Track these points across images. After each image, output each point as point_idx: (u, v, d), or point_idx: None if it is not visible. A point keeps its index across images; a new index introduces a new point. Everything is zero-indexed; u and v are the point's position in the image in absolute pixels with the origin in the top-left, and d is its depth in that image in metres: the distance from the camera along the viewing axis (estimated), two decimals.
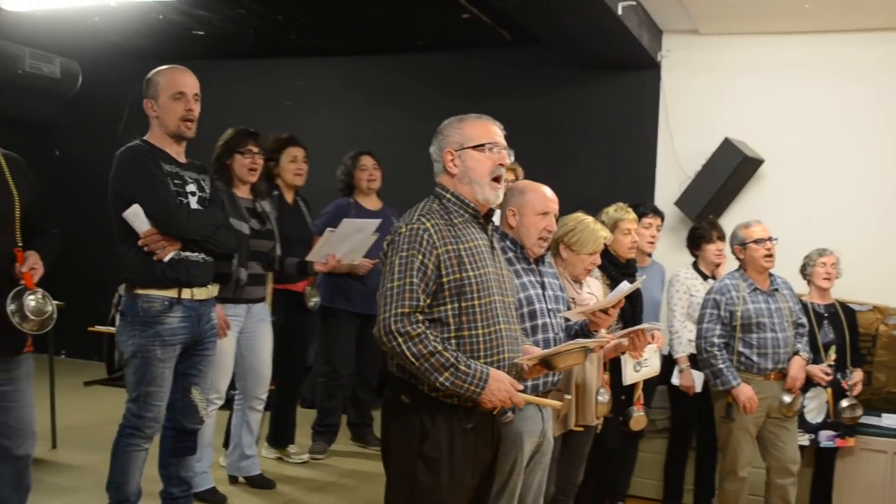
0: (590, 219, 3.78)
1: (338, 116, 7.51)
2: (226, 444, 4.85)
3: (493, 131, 2.78)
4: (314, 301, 5.04)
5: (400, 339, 2.55)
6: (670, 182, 6.32)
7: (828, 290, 5.04)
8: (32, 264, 3.15)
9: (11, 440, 3.20)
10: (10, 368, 3.18)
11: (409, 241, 2.62)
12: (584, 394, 3.65)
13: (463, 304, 2.63)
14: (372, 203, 5.47)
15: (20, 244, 3.17)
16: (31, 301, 3.12)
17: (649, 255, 5.12)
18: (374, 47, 7.32)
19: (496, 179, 2.75)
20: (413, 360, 2.55)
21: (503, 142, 2.79)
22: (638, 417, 4.27)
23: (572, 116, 6.77)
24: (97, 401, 6.73)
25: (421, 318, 2.58)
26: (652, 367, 4.16)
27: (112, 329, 6.88)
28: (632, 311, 4.15)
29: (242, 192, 4.47)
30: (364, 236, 4.81)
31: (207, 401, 4.09)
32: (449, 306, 2.63)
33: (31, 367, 3.31)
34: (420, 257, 2.59)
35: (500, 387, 2.60)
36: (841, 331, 4.99)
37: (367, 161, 5.45)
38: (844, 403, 4.89)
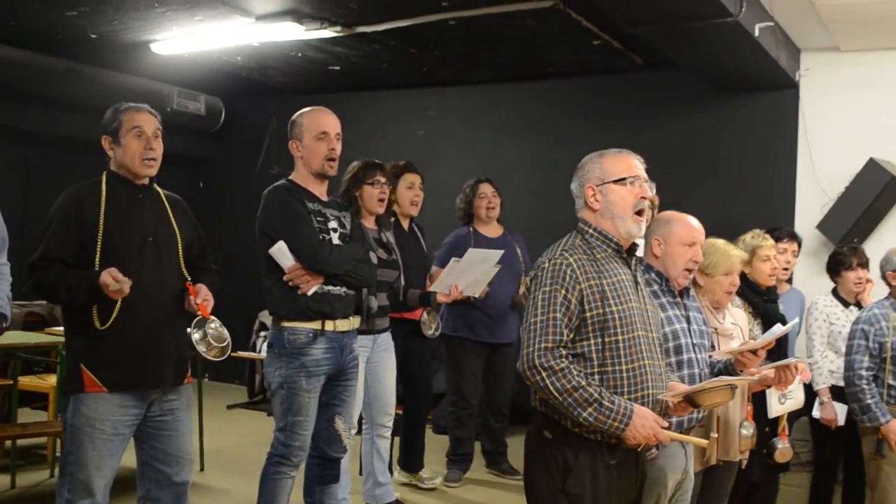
0: (721, 241, 3.70)
1: (469, 145, 7.61)
2: (361, 472, 4.96)
3: (634, 164, 2.77)
4: (432, 330, 5.02)
5: (544, 374, 2.56)
6: (812, 205, 6.14)
7: None
8: (205, 296, 3.32)
9: (171, 467, 3.35)
10: (171, 399, 3.34)
11: (552, 276, 2.63)
12: (726, 429, 3.56)
13: (606, 340, 2.62)
14: (492, 231, 5.51)
15: (188, 279, 3.35)
16: (212, 330, 3.29)
17: (788, 281, 4.97)
18: (506, 76, 7.41)
19: (639, 213, 2.74)
20: (556, 394, 2.56)
21: (644, 175, 2.77)
22: (783, 450, 4.13)
23: (707, 139, 6.67)
24: (240, 424, 6.99)
25: (564, 352, 2.59)
26: (797, 399, 4.02)
27: (253, 354, 7.14)
28: (777, 345, 4.03)
29: (369, 223, 4.56)
30: (487, 267, 4.85)
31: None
32: (592, 341, 2.63)
33: (191, 396, 3.50)
34: (563, 292, 2.61)
35: (644, 423, 2.58)
36: None
37: (486, 189, 5.50)
38: None
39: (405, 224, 5.15)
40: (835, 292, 5.05)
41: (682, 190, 5.81)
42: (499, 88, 7.56)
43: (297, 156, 3.80)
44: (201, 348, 3.24)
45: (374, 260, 4.37)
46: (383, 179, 4.56)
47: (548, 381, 2.56)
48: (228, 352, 3.35)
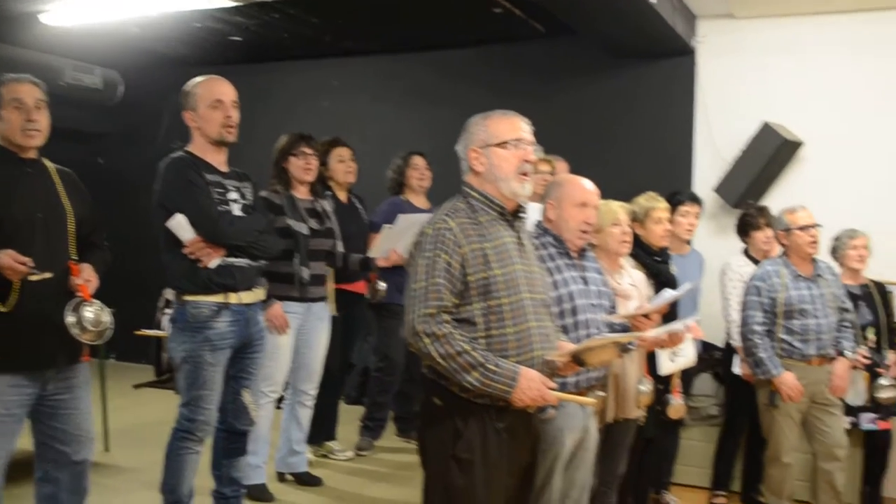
0: (601, 201, 3.78)
1: (374, 115, 7.58)
2: None
3: (519, 127, 2.77)
4: (381, 293, 5.04)
5: (426, 340, 2.57)
6: (709, 169, 6.29)
7: (860, 271, 4.99)
8: (87, 277, 3.24)
9: (70, 446, 3.29)
10: (68, 377, 3.27)
11: (433, 241, 2.63)
12: (623, 387, 3.66)
13: (490, 303, 2.63)
14: (422, 202, 5.62)
15: (75, 257, 3.27)
16: (88, 313, 3.20)
17: (688, 242, 5.10)
18: (409, 46, 7.38)
19: (523, 175, 2.74)
20: (440, 360, 2.56)
21: (529, 137, 2.77)
22: (676, 406, 4.27)
23: (608, 106, 6.76)
24: (147, 403, 6.90)
25: (447, 318, 2.59)
26: (687, 357, 4.14)
27: (159, 332, 7.04)
28: (671, 306, 4.15)
29: (302, 194, 4.63)
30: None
31: (262, 393, 4.23)
32: (476, 305, 2.63)
33: (88, 375, 3.42)
34: (445, 257, 2.60)
35: (531, 385, 2.59)
36: (876, 311, 4.94)
37: (419, 161, 5.63)
38: (882, 384, 4.84)
39: (343, 196, 5.27)
40: (746, 252, 5.21)
41: (584, 157, 5.89)
42: (403, 58, 7.53)
43: (192, 126, 3.73)
44: (75, 331, 3.15)
45: (306, 230, 4.39)
46: (308, 150, 4.63)
47: (431, 347, 2.57)
48: (107, 335, 3.28)
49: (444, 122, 7.14)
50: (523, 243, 2.81)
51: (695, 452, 5.41)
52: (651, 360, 4.07)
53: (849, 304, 4.64)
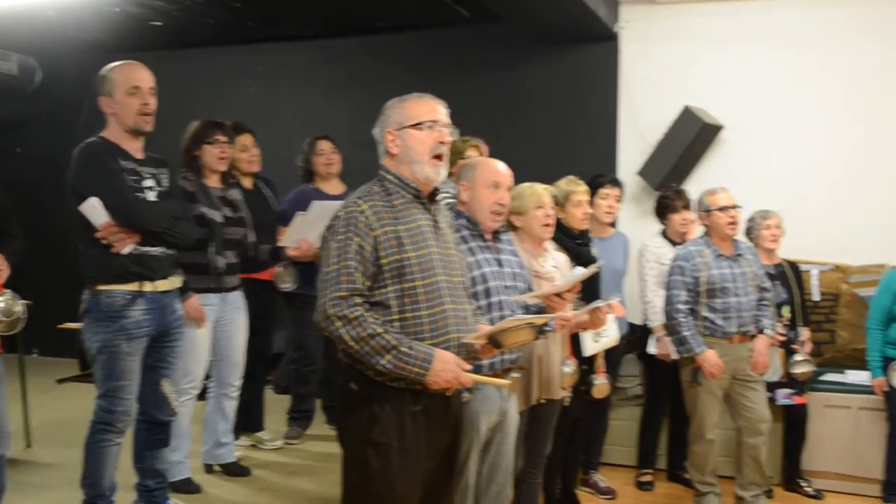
0: (526, 184, 3.81)
1: (302, 102, 7.50)
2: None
3: (435, 109, 2.76)
4: (287, 283, 5.00)
5: (339, 323, 2.55)
6: (633, 152, 6.37)
7: (774, 250, 5.11)
8: None
9: None
10: None
11: (345, 224, 2.61)
12: (546, 368, 3.69)
13: (404, 286, 2.62)
14: (334, 187, 5.48)
15: None
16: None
17: (611, 225, 5.17)
18: (337, 31, 7.31)
19: (437, 157, 2.74)
20: (353, 343, 2.55)
21: (445, 119, 2.77)
22: (600, 386, 4.32)
23: (534, 91, 6.79)
24: (71, 398, 6.75)
25: (360, 300, 2.57)
26: (611, 336, 4.20)
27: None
28: (590, 285, 4.19)
29: (213, 182, 4.54)
30: None
31: (182, 389, 4.16)
32: (390, 288, 2.62)
33: (2, 368, 3.33)
34: (357, 240, 2.59)
35: (445, 367, 2.59)
36: (790, 290, 5.07)
37: (324, 145, 5.46)
38: (797, 360, 4.98)
39: (247, 183, 5.14)
40: (664, 234, 5.29)
41: (510, 142, 5.91)
42: (330, 44, 7.47)
43: (108, 112, 3.65)
44: None
45: (219, 218, 4.31)
46: (223, 138, 4.54)
47: (343, 331, 2.55)
48: (20, 326, 3.20)
49: (373, 108, 7.13)
50: (440, 226, 2.80)
51: (622, 432, 5.50)
52: (575, 341, 4.12)
53: (768, 283, 4.76)
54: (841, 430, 5.20)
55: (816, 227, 5.37)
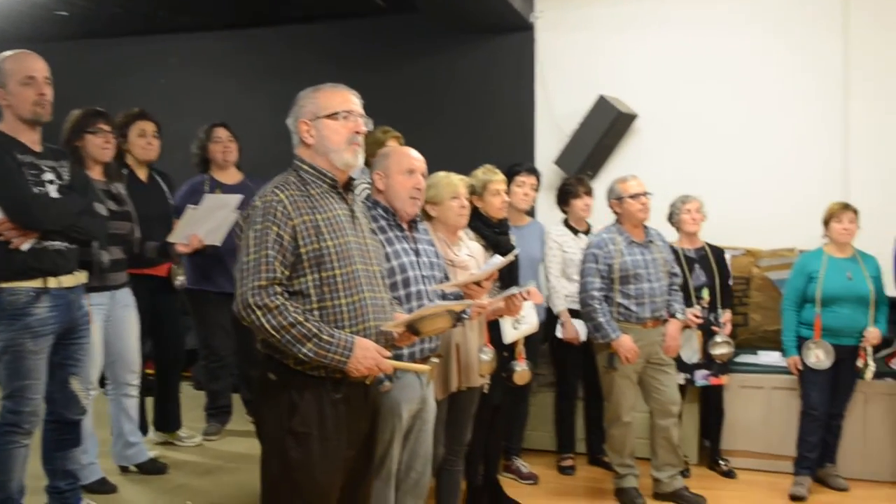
0: (441, 173, 3.82)
1: (216, 93, 7.36)
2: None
3: (349, 99, 2.77)
4: (180, 280, 4.91)
5: (259, 313, 2.54)
6: (549, 141, 6.42)
7: (696, 234, 5.22)
8: None
9: None
10: None
11: (263, 213, 2.60)
12: (464, 356, 3.71)
13: (323, 275, 2.63)
14: (230, 177, 5.35)
15: None
16: None
17: (528, 213, 5.20)
18: (249, 21, 7.20)
19: (355, 146, 2.74)
20: (273, 332, 2.54)
21: (359, 109, 2.78)
22: (521, 372, 4.35)
23: (451, 82, 6.80)
24: None
25: (279, 290, 2.57)
26: (530, 323, 4.23)
27: None
28: (508, 271, 4.22)
29: (95, 174, 4.32)
30: (226, 213, 4.67)
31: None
32: (309, 277, 2.62)
33: None
34: (275, 229, 2.58)
35: (366, 354, 2.60)
36: (711, 273, 5.19)
37: (221, 133, 5.33)
38: (717, 342, 5.10)
39: (142, 174, 4.92)
40: (566, 222, 5.35)
41: (428, 132, 5.91)
42: (244, 34, 7.35)
43: (3, 104, 3.52)
44: None
45: (104, 212, 4.15)
46: (107, 127, 4.35)
47: (263, 320, 2.54)
48: None
49: (289, 98, 7.05)
50: (356, 215, 2.82)
51: (543, 418, 5.57)
52: (496, 328, 4.14)
53: (677, 269, 4.86)
54: (755, 410, 5.36)
55: (729, 213, 5.48)
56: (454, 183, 3.75)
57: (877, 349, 5.23)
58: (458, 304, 2.95)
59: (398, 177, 3.28)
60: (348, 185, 2.81)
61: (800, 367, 4.91)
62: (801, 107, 6.04)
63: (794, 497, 4.81)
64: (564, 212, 5.37)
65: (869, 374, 4.81)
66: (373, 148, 4.00)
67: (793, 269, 5.07)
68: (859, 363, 4.81)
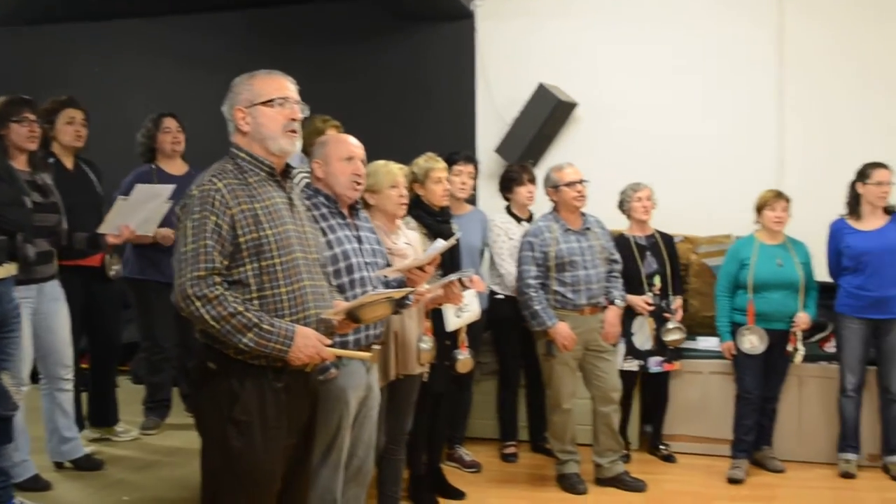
0: (381, 161, 3.81)
1: (150, 80, 7.21)
2: None
3: (284, 86, 2.74)
4: (115, 270, 4.80)
5: (198, 303, 2.51)
6: (490, 130, 6.43)
7: (646, 221, 5.28)
8: None
9: None
10: None
11: (200, 202, 2.56)
12: (403, 344, 3.70)
13: (263, 264, 2.60)
14: (176, 168, 5.27)
15: None
16: None
17: (468, 202, 5.20)
18: (185, 7, 7.05)
19: (292, 132, 2.72)
20: (213, 323, 2.51)
21: (295, 96, 2.76)
22: (464, 360, 4.36)
23: (392, 69, 6.75)
24: None
25: (219, 280, 2.54)
26: (473, 311, 4.24)
27: None
28: (450, 259, 4.23)
29: (20, 164, 4.16)
30: (158, 203, 4.56)
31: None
32: (248, 266, 2.60)
33: None
34: (213, 218, 2.55)
35: (307, 343, 2.60)
36: (662, 260, 5.25)
37: (170, 123, 5.25)
38: (669, 328, 5.16)
39: (69, 163, 4.77)
40: (508, 210, 5.37)
41: (369, 119, 5.86)
42: (180, 20, 7.19)
43: None
44: None
45: (29, 204, 4.03)
46: (32, 116, 4.20)
47: (203, 311, 2.51)
48: None
49: (223, 87, 6.94)
50: (294, 203, 2.79)
51: (486, 406, 5.59)
52: (439, 316, 4.14)
53: (617, 256, 4.91)
54: (693, 395, 5.45)
55: (667, 200, 5.54)
56: (393, 171, 3.74)
57: (811, 333, 5.37)
58: (397, 291, 2.96)
59: (338, 163, 3.28)
60: (286, 173, 2.78)
61: (734, 353, 5.00)
62: (737, 96, 6.14)
63: (731, 480, 4.90)
64: (507, 199, 5.38)
65: (799, 357, 4.93)
66: (312, 137, 3.97)
67: (725, 256, 5.16)
68: (790, 348, 4.91)
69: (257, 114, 2.69)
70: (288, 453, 2.74)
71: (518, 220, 5.25)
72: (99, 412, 5.06)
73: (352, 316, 2.75)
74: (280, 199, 2.71)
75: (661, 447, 5.37)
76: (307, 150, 3.95)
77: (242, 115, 2.70)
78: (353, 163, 3.29)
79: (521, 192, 5.28)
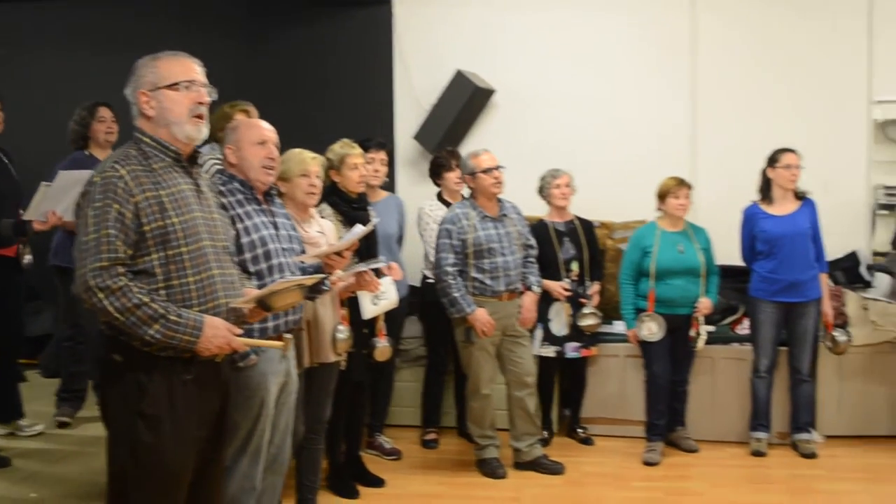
0: (296, 149, 3.77)
1: (61, 63, 6.97)
2: None
3: (191, 68, 2.66)
4: (27, 259, 4.69)
5: (101, 295, 2.42)
6: (409, 116, 6.40)
7: (565, 208, 5.32)
8: None
9: None
10: None
11: (102, 190, 2.47)
12: (317, 332, 3.67)
13: (169, 253, 2.53)
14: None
15: None
16: None
17: (384, 188, 5.17)
18: None
19: (198, 117, 2.64)
20: (118, 315, 2.43)
21: (202, 79, 2.67)
22: (382, 349, 4.35)
23: (310, 54, 6.65)
24: None
25: (122, 270, 2.45)
26: (390, 299, 4.23)
27: None
28: (366, 247, 4.19)
29: None
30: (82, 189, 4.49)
31: None
32: (154, 255, 2.52)
33: None
34: (116, 206, 2.46)
35: (216, 333, 2.53)
36: (580, 246, 5.29)
37: (105, 112, 5.19)
38: (584, 313, 5.22)
39: None
40: (439, 196, 5.35)
41: (285, 105, 5.82)
42: (90, 4, 6.97)
43: None
44: None
45: None
46: None
47: (106, 302, 2.43)
48: None
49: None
50: (202, 190, 2.71)
51: (407, 393, 5.59)
52: (355, 305, 4.11)
53: (533, 241, 4.93)
54: (610, 378, 5.52)
55: (584, 187, 5.60)
56: (305, 160, 3.69)
57: (723, 315, 5.49)
58: (309, 278, 2.93)
59: (250, 148, 3.22)
60: (193, 158, 2.70)
61: (639, 339, 5.07)
62: (651, 83, 6.23)
63: (646, 462, 4.99)
64: (438, 185, 5.37)
65: (701, 342, 5.03)
66: (220, 123, 3.89)
67: (628, 244, 5.23)
68: (692, 332, 5.01)
69: (162, 97, 2.60)
70: (199, 446, 2.67)
71: (449, 206, 5.22)
72: (2, 406, 4.90)
73: (262, 304, 2.69)
74: (187, 186, 2.63)
75: (580, 430, 5.43)
76: (215, 137, 3.87)
77: (146, 99, 2.61)
78: (266, 147, 3.23)
79: (451, 177, 5.27)
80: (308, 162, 3.68)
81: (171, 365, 2.55)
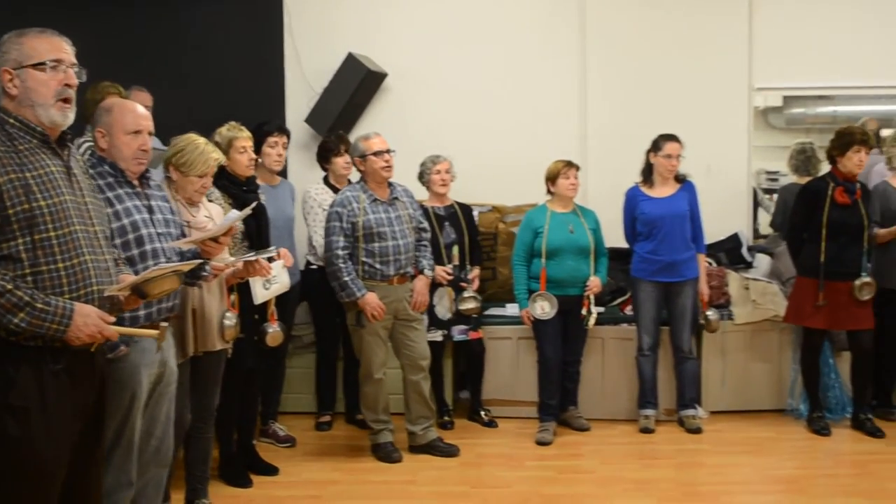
0: (202, 140, 3.65)
1: None
2: None
3: (59, 46, 2.53)
4: None
5: None
6: (300, 100, 6.28)
7: (445, 193, 5.33)
8: None
9: None
10: None
11: None
12: (203, 320, 3.58)
13: (36, 237, 2.42)
14: None
15: None
16: None
17: (282, 174, 5.09)
18: None
19: (65, 101, 2.53)
20: None
21: (71, 58, 2.55)
22: (273, 333, 4.29)
23: (198, 35, 6.40)
24: None
25: None
26: (282, 283, 4.17)
27: None
28: (258, 230, 4.12)
29: None
30: None
31: None
32: (20, 240, 2.40)
33: None
34: None
35: (87, 321, 2.44)
36: (461, 230, 5.31)
37: None
38: (464, 297, 5.25)
39: None
40: (325, 181, 5.29)
41: (172, 88, 5.60)
42: None
43: None
44: None
45: None
46: None
47: None
48: None
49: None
50: (73, 172, 2.60)
51: (301, 380, 5.53)
52: (245, 291, 4.03)
53: (426, 224, 4.93)
54: (504, 360, 5.57)
55: (476, 170, 5.63)
56: (208, 161, 3.59)
57: (612, 297, 5.60)
58: (185, 264, 2.84)
59: (123, 137, 3.05)
60: (63, 140, 2.58)
61: (532, 319, 5.13)
62: (542, 68, 6.29)
63: (539, 442, 5.06)
64: (325, 169, 5.30)
65: (591, 321, 5.13)
66: (90, 107, 3.73)
67: (520, 226, 5.29)
68: (583, 311, 5.10)
69: (26, 77, 2.48)
70: (74, 440, 2.57)
71: (335, 190, 5.16)
72: None
73: (138, 291, 2.61)
74: (56, 168, 2.52)
75: (483, 413, 5.47)
76: (87, 118, 3.72)
77: (10, 78, 2.49)
78: (140, 137, 3.07)
79: (339, 162, 5.22)
80: (211, 165, 3.58)
81: (40, 355, 2.45)
